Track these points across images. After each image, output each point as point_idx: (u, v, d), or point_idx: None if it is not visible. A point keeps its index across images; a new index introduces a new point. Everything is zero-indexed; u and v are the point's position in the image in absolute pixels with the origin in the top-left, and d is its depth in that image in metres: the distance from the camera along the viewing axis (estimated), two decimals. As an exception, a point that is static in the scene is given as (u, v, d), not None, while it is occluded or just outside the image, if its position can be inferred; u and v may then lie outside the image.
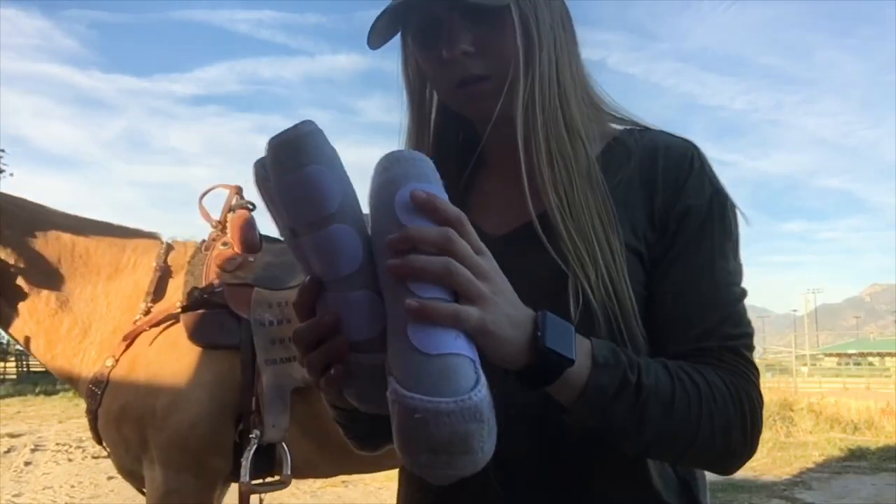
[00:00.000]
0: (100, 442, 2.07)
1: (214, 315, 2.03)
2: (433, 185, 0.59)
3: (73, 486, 5.87)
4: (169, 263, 2.16)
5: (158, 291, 2.09)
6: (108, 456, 2.13)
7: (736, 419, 0.70)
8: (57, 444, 7.91)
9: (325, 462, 2.13)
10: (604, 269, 0.71)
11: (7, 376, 23.08)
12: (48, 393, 14.85)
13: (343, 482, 6.10)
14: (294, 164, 0.56)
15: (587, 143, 0.77)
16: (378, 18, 0.77)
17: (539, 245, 0.73)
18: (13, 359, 25.02)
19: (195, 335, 2.00)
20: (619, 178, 0.77)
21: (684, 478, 0.78)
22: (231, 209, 2.21)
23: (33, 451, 7.64)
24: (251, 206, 2.22)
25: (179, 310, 2.02)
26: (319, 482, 6.11)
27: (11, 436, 8.64)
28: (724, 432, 0.69)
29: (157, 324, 2.03)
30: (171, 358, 2.00)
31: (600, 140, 0.81)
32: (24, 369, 23.94)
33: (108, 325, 2.06)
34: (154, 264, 2.12)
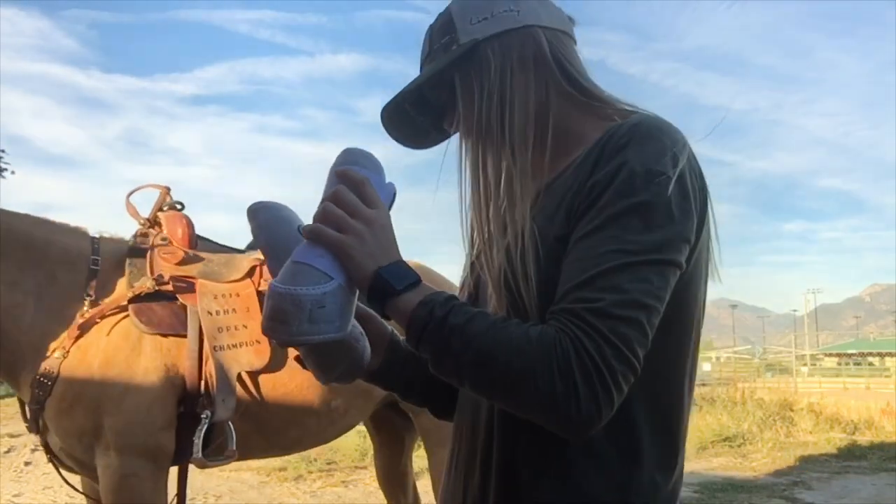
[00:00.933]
0: (37, 432, 2.10)
1: (163, 305, 2.17)
2: (359, 167, 0.86)
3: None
4: (105, 257, 2.19)
5: (100, 284, 2.13)
6: (45, 448, 2.17)
7: (541, 368, 0.71)
8: (57, 444, 7.89)
9: (258, 443, 2.30)
10: (507, 268, 0.84)
11: (7, 376, 23.02)
12: (48, 393, 14.78)
13: (343, 482, 6.10)
14: (251, 223, 0.99)
15: (522, 154, 0.88)
16: (396, 126, 0.99)
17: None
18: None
19: (146, 324, 2.11)
20: (567, 173, 0.86)
21: (626, 473, 0.81)
22: (161, 208, 2.36)
23: (33, 451, 7.62)
24: (180, 206, 2.39)
25: (128, 300, 2.12)
26: (319, 482, 6.11)
27: (11, 436, 8.63)
28: (523, 379, 0.72)
29: (107, 314, 2.09)
30: (124, 346, 2.08)
31: (593, 138, 0.87)
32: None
33: (47, 316, 2.05)
34: (91, 258, 2.15)
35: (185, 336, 2.16)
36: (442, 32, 0.94)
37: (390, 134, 1.00)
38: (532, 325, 0.76)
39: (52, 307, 2.06)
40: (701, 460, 7.39)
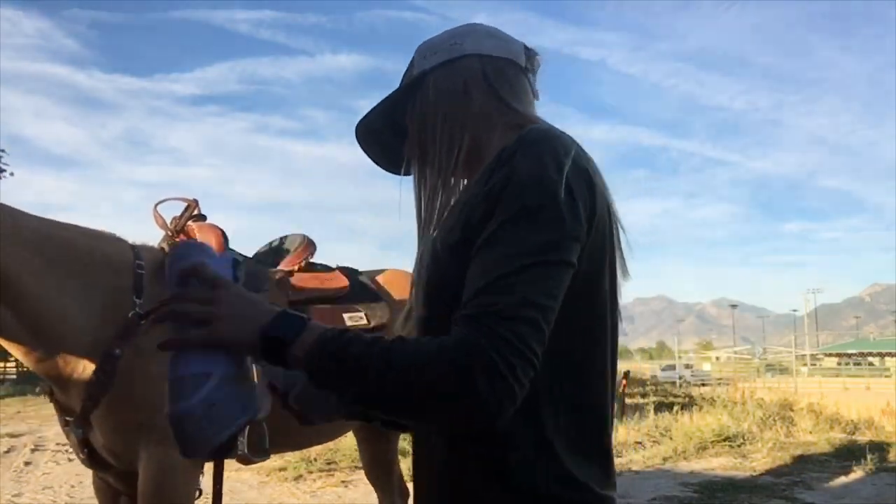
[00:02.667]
0: (88, 424, 2.15)
1: None
2: (190, 258, 0.90)
3: (73, 486, 5.87)
4: (147, 264, 2.25)
5: (143, 290, 2.19)
6: (81, 445, 2.21)
7: (442, 375, 0.76)
8: (57, 444, 7.89)
9: (277, 441, 2.44)
10: (423, 273, 0.93)
11: (7, 376, 23.09)
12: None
13: (343, 482, 6.10)
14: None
15: (445, 170, 0.99)
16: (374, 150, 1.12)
17: None
18: (13, 359, 25.01)
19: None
20: (476, 185, 0.92)
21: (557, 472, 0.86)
22: (190, 219, 2.48)
23: (33, 451, 7.64)
24: (204, 218, 2.52)
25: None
26: (319, 482, 6.11)
27: (11, 436, 8.64)
28: (428, 390, 0.77)
29: (154, 319, 2.11)
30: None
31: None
32: (25, 369, 23.94)
33: (96, 320, 2.10)
34: (132, 264, 2.21)
35: None
36: (407, 69, 1.09)
37: (374, 159, 1.13)
38: (432, 338, 0.80)
39: (101, 312, 2.11)
40: (701, 460, 7.39)
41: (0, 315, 1.96)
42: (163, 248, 2.43)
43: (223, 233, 2.47)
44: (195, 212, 2.51)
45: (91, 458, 2.24)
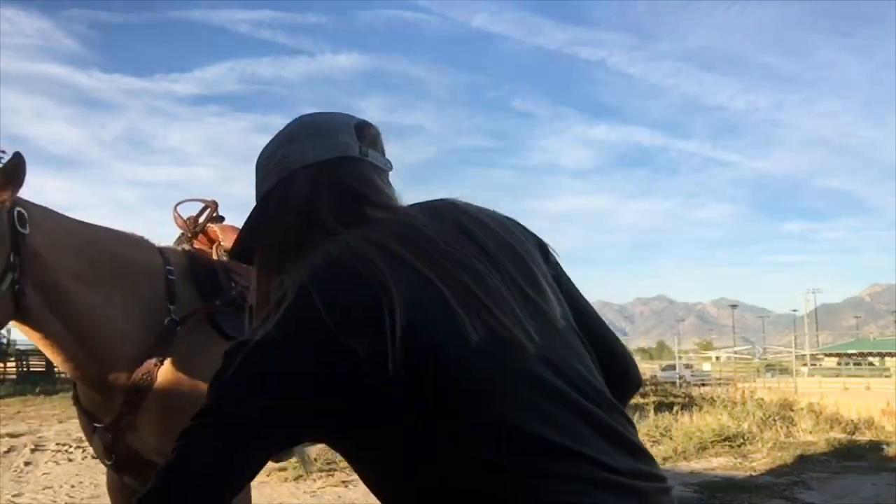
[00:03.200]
0: (119, 430, 2.17)
1: (235, 314, 2.28)
2: None
3: (73, 486, 5.87)
4: (176, 268, 2.28)
5: (174, 293, 2.22)
6: (109, 448, 2.21)
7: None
8: (57, 444, 7.91)
9: None
10: None
11: (7, 376, 23.10)
12: (48, 393, 14.82)
13: (343, 482, 6.11)
14: None
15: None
16: None
17: None
18: (13, 359, 25.04)
19: (227, 332, 2.22)
20: None
21: None
22: (210, 220, 2.54)
23: (33, 451, 7.64)
24: (222, 219, 2.59)
25: (206, 310, 2.23)
26: (319, 482, 6.12)
27: (11, 436, 8.65)
28: None
29: (190, 323, 2.19)
30: (209, 353, 2.18)
31: None
32: (24, 369, 23.96)
33: (136, 326, 2.14)
34: (163, 269, 2.24)
35: None
36: (256, 184, 1.09)
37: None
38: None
39: (139, 318, 2.14)
40: (701, 460, 7.40)
41: (50, 322, 1.99)
42: (185, 250, 2.46)
43: None
44: (214, 213, 2.55)
45: (118, 462, 2.25)
